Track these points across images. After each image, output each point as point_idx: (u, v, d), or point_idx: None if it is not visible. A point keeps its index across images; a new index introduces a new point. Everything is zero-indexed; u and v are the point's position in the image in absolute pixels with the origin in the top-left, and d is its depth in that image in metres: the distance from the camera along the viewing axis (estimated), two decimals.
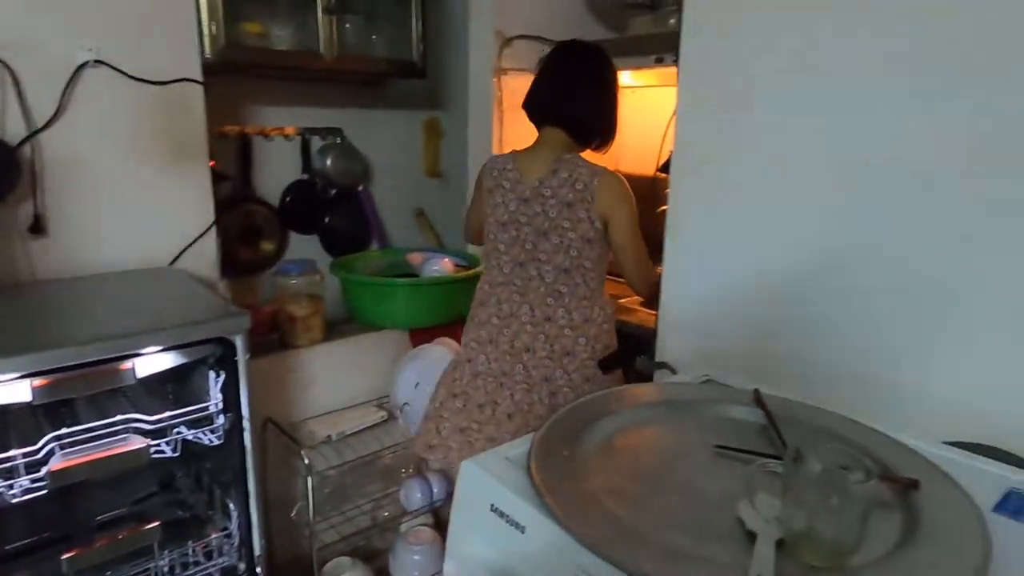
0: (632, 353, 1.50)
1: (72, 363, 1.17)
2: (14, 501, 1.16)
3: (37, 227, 1.53)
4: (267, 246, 2.23)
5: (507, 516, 0.78)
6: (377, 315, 1.98)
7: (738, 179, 1.30)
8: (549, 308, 1.51)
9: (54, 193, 1.55)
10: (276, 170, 2.23)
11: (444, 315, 2.03)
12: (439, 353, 1.90)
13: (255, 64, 1.92)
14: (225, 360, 1.40)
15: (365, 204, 2.44)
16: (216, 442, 1.41)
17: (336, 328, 1.98)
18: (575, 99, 1.51)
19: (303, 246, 2.31)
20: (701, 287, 1.39)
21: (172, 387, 1.62)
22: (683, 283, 1.42)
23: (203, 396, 1.43)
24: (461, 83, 2.32)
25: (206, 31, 1.75)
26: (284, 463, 1.81)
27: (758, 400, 1.00)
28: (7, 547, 1.51)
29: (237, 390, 1.41)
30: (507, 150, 2.23)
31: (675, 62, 1.40)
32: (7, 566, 1.48)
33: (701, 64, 1.33)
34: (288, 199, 2.26)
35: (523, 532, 0.76)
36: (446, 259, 2.06)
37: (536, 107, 1.57)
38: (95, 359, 1.19)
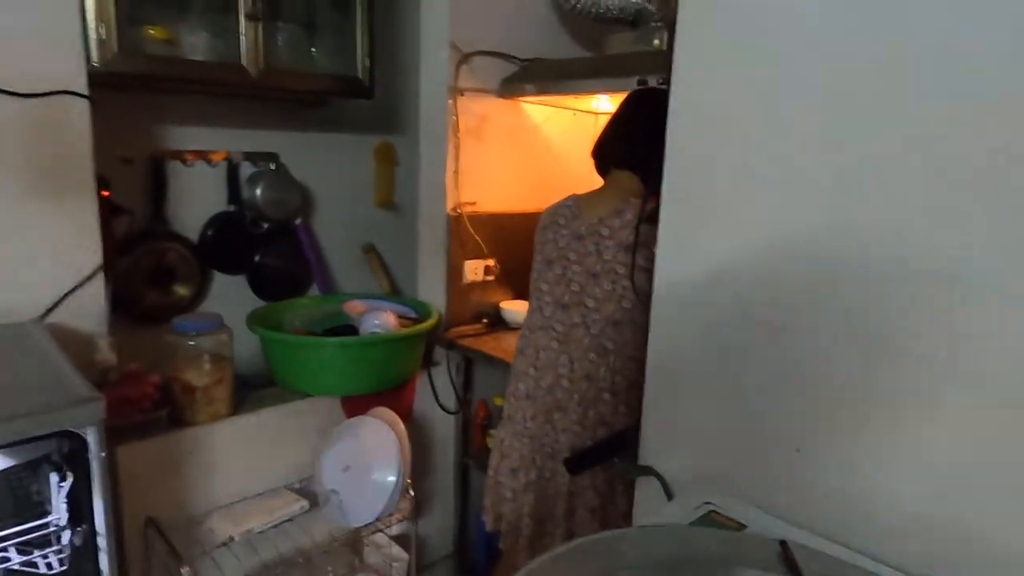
0: (609, 450, 1.19)
1: None
2: None
3: None
4: (182, 290, 1.89)
5: None
6: (303, 379, 1.64)
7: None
8: (591, 364, 1.34)
9: None
10: (197, 200, 1.91)
11: (384, 379, 1.70)
12: (375, 429, 1.57)
13: (159, 76, 1.60)
14: (74, 458, 1.06)
15: (303, 240, 2.12)
16: (59, 568, 1.06)
17: (252, 395, 1.64)
18: (652, 144, 1.33)
19: (227, 289, 1.98)
20: None
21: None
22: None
23: (41, 508, 1.09)
24: (412, 104, 2.03)
25: (92, 34, 1.43)
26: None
27: (787, 559, 0.70)
28: None
29: (90, 497, 1.07)
30: (463, 179, 1.97)
31: (662, 83, 1.13)
32: None
33: (698, 87, 1.04)
34: (210, 233, 1.93)
35: None
36: (389, 311, 1.74)
37: (609, 150, 1.49)
38: None
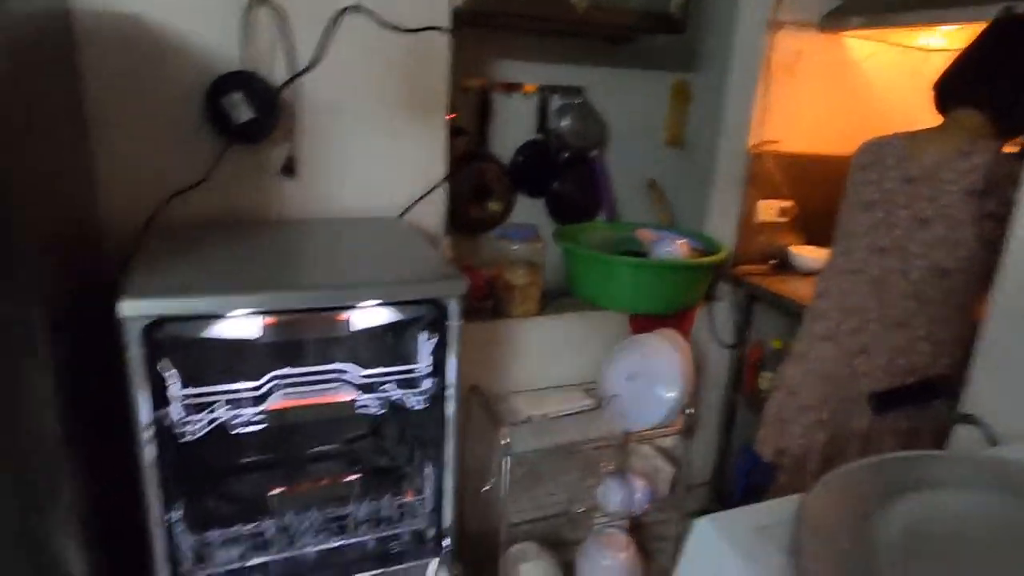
0: (922, 395, 1.15)
1: (297, 308, 1.16)
2: (235, 432, 1.20)
3: (289, 168, 1.58)
4: (494, 206, 2.16)
5: None
6: (598, 293, 1.81)
7: None
8: (906, 312, 1.30)
9: (306, 137, 1.59)
10: (511, 128, 2.14)
11: (671, 303, 1.80)
12: (658, 346, 1.68)
13: (504, 14, 1.81)
14: (437, 323, 1.33)
15: (597, 170, 2.27)
16: (420, 406, 1.36)
17: (552, 302, 1.85)
18: (1016, 82, 1.29)
19: (528, 210, 2.21)
20: None
21: (385, 344, 1.61)
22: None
23: (412, 357, 1.39)
24: (722, 40, 2.02)
25: None
26: (483, 434, 1.74)
27: None
28: (229, 467, 1.64)
29: (444, 356, 1.33)
30: (769, 117, 1.92)
31: None
32: (228, 486, 1.59)
33: None
34: (520, 159, 2.16)
35: None
36: (682, 240, 1.82)
37: (958, 85, 1.37)
38: (317, 307, 1.18)
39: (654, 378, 1.65)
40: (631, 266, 1.72)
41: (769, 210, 1.97)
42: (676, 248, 1.78)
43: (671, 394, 1.64)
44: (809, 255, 1.94)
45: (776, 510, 0.66)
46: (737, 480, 2.15)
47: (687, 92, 2.29)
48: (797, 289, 1.81)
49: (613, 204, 2.33)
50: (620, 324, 1.85)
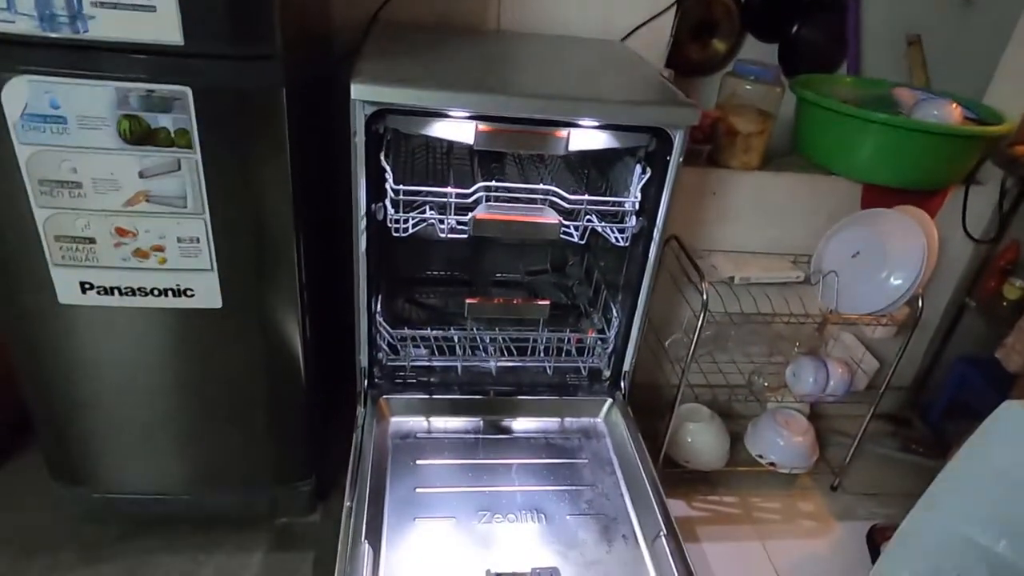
0: None
1: (514, 115, 1.10)
2: (440, 236, 1.21)
3: None
4: (719, 45, 1.91)
5: None
6: (833, 155, 1.57)
7: None
8: None
9: None
10: None
11: (922, 178, 1.53)
12: (898, 223, 1.45)
13: None
14: (655, 157, 1.21)
15: (850, 17, 1.91)
16: (621, 243, 1.28)
17: (775, 159, 1.64)
18: None
19: (756, 55, 1.94)
20: None
21: (588, 173, 1.54)
22: None
23: (621, 191, 1.30)
24: None
25: None
26: (674, 287, 1.65)
27: None
28: (427, 273, 1.71)
29: (659, 194, 1.23)
30: None
31: None
32: (427, 288, 1.67)
33: None
34: None
35: None
36: (954, 104, 1.50)
37: None
38: (535, 117, 1.10)
39: (884, 260, 1.44)
40: (883, 125, 1.45)
41: None
42: (946, 112, 1.47)
43: (899, 282, 1.43)
44: None
45: None
46: (944, 391, 1.92)
47: None
48: None
49: (859, 58, 1.98)
50: (851, 195, 1.61)
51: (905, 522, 0.77)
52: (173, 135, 0.98)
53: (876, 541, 1.58)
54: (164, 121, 0.97)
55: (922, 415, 1.97)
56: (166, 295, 1.12)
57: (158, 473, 1.35)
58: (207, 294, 1.13)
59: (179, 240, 1.07)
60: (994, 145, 1.60)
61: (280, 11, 0.96)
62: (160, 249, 1.07)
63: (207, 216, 1.06)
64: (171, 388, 1.24)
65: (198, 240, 1.07)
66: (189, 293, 1.12)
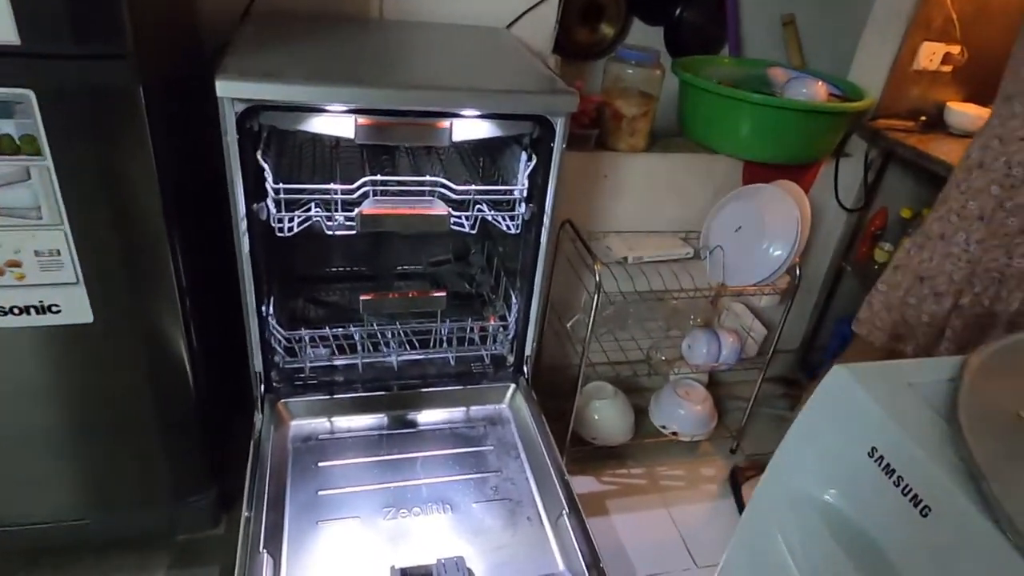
0: None
1: (393, 108, 1.08)
2: (329, 234, 1.19)
3: None
4: (607, 29, 1.95)
5: (899, 480, 0.50)
6: (714, 135, 1.63)
7: None
8: None
9: None
10: None
11: (796, 153, 1.62)
12: (773, 197, 1.53)
13: None
14: (540, 144, 1.23)
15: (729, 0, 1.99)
16: (513, 231, 1.29)
17: (660, 140, 1.70)
18: None
19: (642, 38, 1.98)
20: None
21: (482, 162, 1.54)
22: None
23: (510, 179, 1.31)
24: None
25: None
26: (572, 270, 1.69)
27: None
28: (325, 271, 1.68)
29: (546, 180, 1.25)
30: None
31: None
32: (320, 291, 1.64)
33: None
34: None
35: (924, 514, 0.48)
36: (820, 83, 1.59)
37: None
38: (415, 109, 1.10)
39: (764, 233, 1.52)
40: (757, 104, 1.53)
41: (933, 56, 1.68)
42: (813, 90, 1.56)
43: (779, 252, 1.51)
44: (971, 112, 1.67)
45: (933, 368, 0.57)
46: (827, 352, 2.06)
47: None
48: (947, 151, 1.57)
49: (739, 39, 2.06)
50: (732, 172, 1.69)
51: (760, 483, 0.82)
52: (19, 142, 0.92)
53: (738, 480, 1.72)
54: (6, 127, 0.90)
55: (810, 375, 2.11)
56: (28, 313, 1.05)
57: (50, 501, 1.28)
58: (75, 309, 1.06)
59: (37, 254, 1.00)
60: (858, 120, 1.72)
61: (130, 8, 0.90)
62: (16, 265, 1.00)
63: (66, 226, 0.99)
64: (49, 409, 1.17)
65: (59, 252, 1.01)
66: (55, 309, 1.06)
